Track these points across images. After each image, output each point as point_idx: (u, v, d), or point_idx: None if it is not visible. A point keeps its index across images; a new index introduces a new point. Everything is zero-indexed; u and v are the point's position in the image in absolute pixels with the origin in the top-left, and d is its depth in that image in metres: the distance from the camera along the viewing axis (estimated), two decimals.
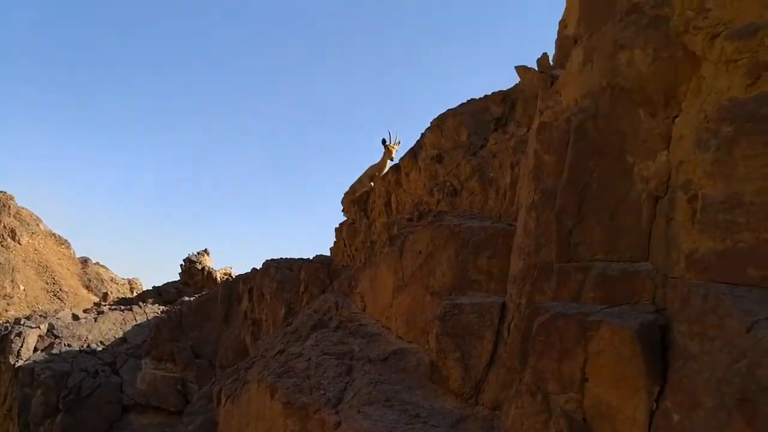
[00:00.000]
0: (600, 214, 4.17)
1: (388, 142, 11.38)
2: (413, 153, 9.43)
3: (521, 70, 5.97)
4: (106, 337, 14.98)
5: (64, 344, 14.21)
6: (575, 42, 5.98)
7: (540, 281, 4.52)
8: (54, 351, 13.92)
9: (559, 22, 7.31)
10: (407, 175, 9.58)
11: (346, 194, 13.01)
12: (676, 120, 3.82)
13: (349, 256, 12.09)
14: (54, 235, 32.92)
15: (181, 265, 22.17)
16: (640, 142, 4.00)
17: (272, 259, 13.63)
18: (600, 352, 3.66)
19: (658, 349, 3.41)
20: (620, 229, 4.05)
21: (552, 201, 4.55)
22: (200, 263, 21.68)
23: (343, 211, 13.21)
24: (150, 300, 18.70)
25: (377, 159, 11.76)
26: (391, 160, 11.23)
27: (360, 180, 12.38)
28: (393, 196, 10.18)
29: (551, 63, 6.38)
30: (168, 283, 21.78)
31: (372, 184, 11.81)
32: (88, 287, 30.65)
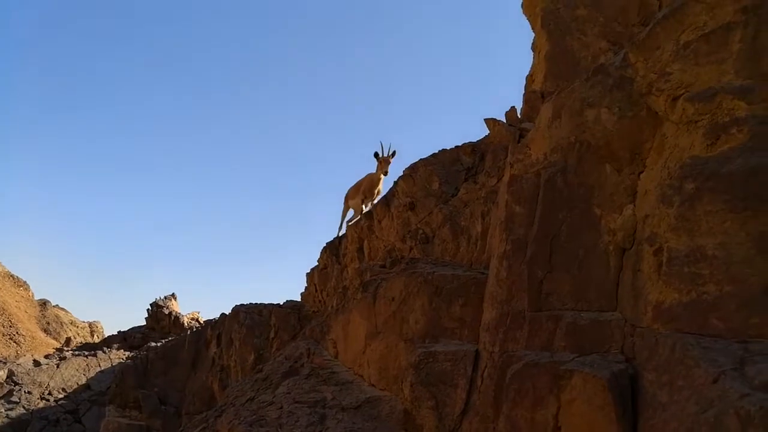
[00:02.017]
0: (569, 265, 4.30)
1: (381, 155, 10.37)
2: (386, 200, 9.56)
3: (490, 122, 6.17)
4: (69, 383, 14.50)
5: (24, 391, 13.72)
6: (542, 96, 6.24)
7: (512, 329, 4.60)
8: (13, 398, 13.43)
9: (527, 77, 7.62)
10: (380, 221, 9.68)
11: (348, 192, 12.12)
12: (641, 175, 4.00)
13: (320, 301, 12.03)
14: (12, 276, 31.95)
15: (147, 310, 21.73)
16: (607, 195, 4.17)
17: (241, 304, 13.50)
18: (572, 400, 3.73)
19: (628, 398, 3.50)
20: (589, 279, 4.18)
21: (523, 251, 4.67)
22: (167, 308, 21.28)
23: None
24: (115, 345, 18.23)
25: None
26: (385, 174, 10.36)
27: (356, 188, 11.39)
28: (365, 242, 10.24)
29: (519, 116, 6.61)
30: (134, 328, 21.30)
31: (363, 206, 11.01)
32: (46, 330, 29.65)
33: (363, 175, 11.40)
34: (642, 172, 4.01)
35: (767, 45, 3.27)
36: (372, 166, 10.85)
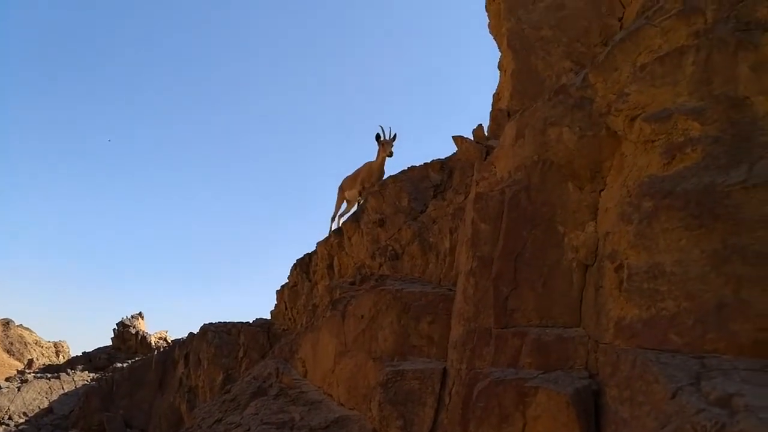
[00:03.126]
0: (534, 281, 4.36)
1: (383, 137, 10.08)
2: (356, 217, 9.57)
3: (458, 139, 6.23)
4: (30, 407, 14.10)
5: None
6: (508, 115, 6.34)
7: (479, 347, 4.62)
8: None
9: (494, 96, 7.75)
10: (350, 238, 9.68)
11: (343, 181, 11.75)
12: (602, 193, 4.09)
13: (290, 319, 11.94)
14: None
15: (113, 329, 21.28)
16: (570, 213, 4.24)
17: (210, 323, 13.30)
18: (538, 417, 3.76)
19: (591, 413, 3.54)
20: (553, 295, 4.24)
21: (489, 268, 4.72)
22: (134, 327, 20.86)
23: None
24: (79, 367, 17.77)
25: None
26: (390, 156, 10.02)
27: (354, 178, 11.09)
28: (335, 259, 10.22)
29: (486, 133, 6.70)
30: (99, 349, 20.79)
31: (360, 197, 10.59)
32: (9, 351, 28.82)
33: (360, 173, 10.93)
34: (603, 189, 4.10)
35: (719, 68, 3.38)
36: (361, 160, 10.66)
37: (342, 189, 11.62)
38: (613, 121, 3.95)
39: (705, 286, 3.13)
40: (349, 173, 11.49)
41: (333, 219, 11.85)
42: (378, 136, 10.10)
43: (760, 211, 3.02)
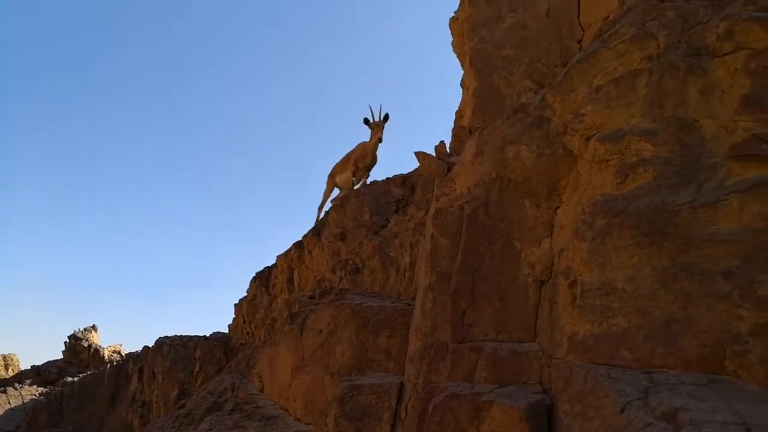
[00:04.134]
0: (491, 296, 4.40)
1: (372, 120, 9.16)
2: (317, 231, 9.52)
3: (420, 155, 6.28)
4: None
5: None
6: (470, 132, 6.42)
7: (436, 361, 4.63)
8: None
9: (456, 113, 7.85)
10: (310, 252, 9.63)
11: (333, 167, 10.85)
12: (558, 210, 4.17)
13: (248, 333, 11.78)
14: None
15: (65, 342, 20.61)
16: (527, 229, 4.31)
17: (166, 336, 13.02)
18: None
19: (545, 428, 3.58)
20: (509, 310, 4.29)
21: (447, 283, 4.75)
22: (87, 340, 20.23)
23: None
24: (27, 381, 17.14)
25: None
26: (380, 141, 9.15)
27: (345, 160, 10.18)
28: (295, 272, 10.15)
29: (448, 150, 6.76)
30: (49, 362, 20.05)
31: (354, 179, 9.78)
32: None
33: (350, 158, 10.13)
34: (559, 207, 4.17)
35: (670, 91, 3.49)
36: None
37: (332, 176, 10.71)
38: (570, 141, 4.03)
39: (655, 303, 3.20)
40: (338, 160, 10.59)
41: (320, 209, 10.91)
42: (367, 120, 9.21)
43: (707, 230, 3.11)
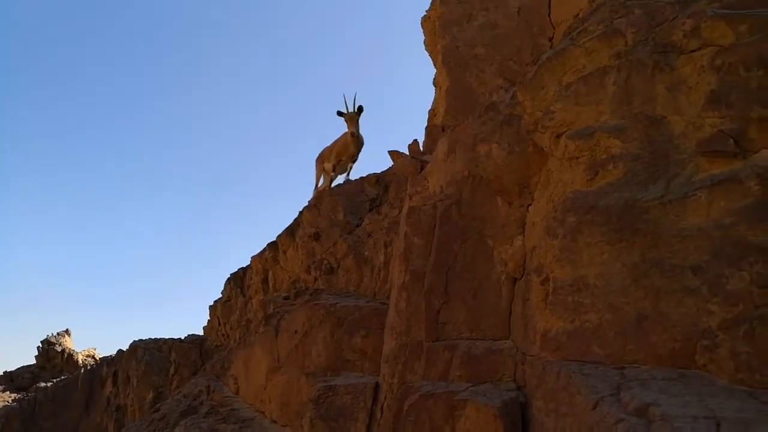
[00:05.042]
0: (464, 294, 4.40)
1: (346, 111, 8.68)
2: (291, 231, 9.45)
3: (394, 154, 6.27)
4: None
5: None
6: (443, 130, 6.42)
7: (411, 360, 4.62)
8: None
9: (429, 111, 7.84)
10: (285, 252, 9.56)
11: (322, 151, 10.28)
12: (530, 208, 4.17)
13: (223, 335, 11.67)
14: None
15: (38, 347, 20.21)
16: (499, 227, 4.31)
17: (140, 339, 12.85)
18: (467, 430, 3.77)
19: (519, 425, 3.58)
20: (483, 308, 4.29)
21: (421, 281, 4.73)
22: (60, 345, 19.87)
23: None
24: (0, 387, 16.80)
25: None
26: (353, 135, 8.81)
27: (330, 149, 9.70)
28: (270, 273, 10.07)
29: (422, 149, 6.75)
30: (22, 368, 19.64)
31: (334, 172, 9.46)
32: None
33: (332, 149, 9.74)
34: (530, 204, 4.18)
35: (638, 88, 3.51)
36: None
37: (320, 160, 10.25)
38: (540, 138, 4.04)
39: (626, 299, 3.22)
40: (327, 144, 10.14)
41: (316, 188, 10.36)
42: (340, 113, 8.75)
43: (676, 226, 3.13)
